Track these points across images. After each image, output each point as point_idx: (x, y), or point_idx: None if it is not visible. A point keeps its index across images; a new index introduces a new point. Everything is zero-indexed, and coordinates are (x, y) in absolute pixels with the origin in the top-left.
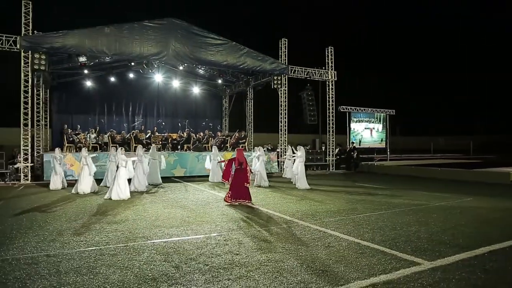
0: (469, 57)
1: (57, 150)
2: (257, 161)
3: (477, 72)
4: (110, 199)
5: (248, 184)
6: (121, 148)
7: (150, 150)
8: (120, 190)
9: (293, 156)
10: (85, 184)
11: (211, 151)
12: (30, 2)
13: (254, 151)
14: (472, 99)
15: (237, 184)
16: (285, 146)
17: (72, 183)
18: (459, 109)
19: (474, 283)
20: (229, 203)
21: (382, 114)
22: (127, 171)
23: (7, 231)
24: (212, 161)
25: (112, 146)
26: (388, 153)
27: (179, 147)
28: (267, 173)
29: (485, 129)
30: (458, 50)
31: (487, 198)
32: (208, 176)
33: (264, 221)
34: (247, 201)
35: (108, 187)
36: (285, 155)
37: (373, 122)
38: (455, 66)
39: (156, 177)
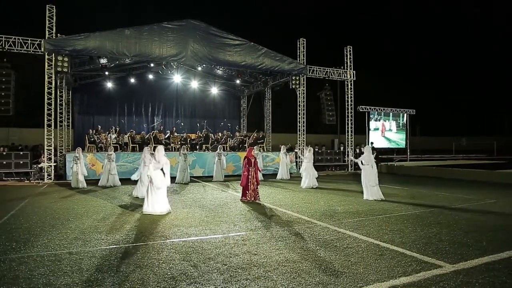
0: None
1: (78, 150)
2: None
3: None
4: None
5: (257, 183)
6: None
7: (181, 151)
8: (157, 203)
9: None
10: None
11: (229, 151)
12: (54, 6)
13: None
14: (497, 97)
15: (249, 182)
16: (303, 146)
17: (92, 183)
18: (482, 108)
19: (499, 287)
20: (246, 200)
21: (402, 113)
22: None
23: (32, 228)
24: (216, 161)
25: (145, 146)
26: (408, 153)
27: (197, 147)
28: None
29: (511, 129)
30: (480, 47)
31: (511, 200)
32: (226, 175)
33: (282, 221)
34: (256, 199)
35: (137, 197)
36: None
37: (393, 121)
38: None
39: (186, 175)
